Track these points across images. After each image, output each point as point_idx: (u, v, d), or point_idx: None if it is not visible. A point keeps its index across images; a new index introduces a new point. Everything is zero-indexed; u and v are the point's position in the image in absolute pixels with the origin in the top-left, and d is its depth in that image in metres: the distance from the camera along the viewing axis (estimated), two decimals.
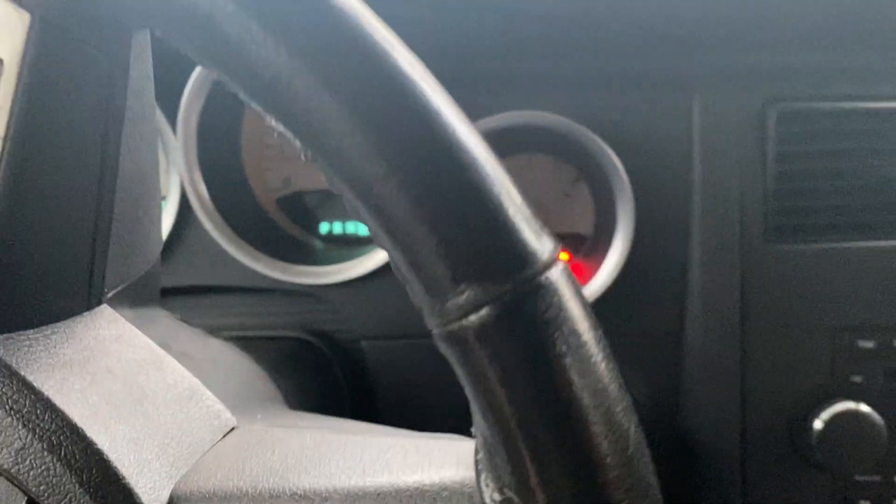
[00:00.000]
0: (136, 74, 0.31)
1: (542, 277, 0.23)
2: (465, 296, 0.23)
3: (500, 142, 0.70)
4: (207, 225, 0.69)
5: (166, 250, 0.72)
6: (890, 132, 0.65)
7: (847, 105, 0.64)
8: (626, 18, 0.67)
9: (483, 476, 0.25)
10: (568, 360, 0.23)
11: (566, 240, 0.76)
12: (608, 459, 0.23)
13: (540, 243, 0.24)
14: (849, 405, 0.63)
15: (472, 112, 0.65)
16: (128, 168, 0.33)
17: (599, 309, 0.66)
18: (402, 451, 0.29)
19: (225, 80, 0.24)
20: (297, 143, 0.23)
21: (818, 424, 0.63)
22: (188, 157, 0.69)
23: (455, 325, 0.23)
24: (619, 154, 0.65)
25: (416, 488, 0.27)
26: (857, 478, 0.66)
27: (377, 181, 0.22)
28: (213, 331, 0.65)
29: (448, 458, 0.28)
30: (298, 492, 0.28)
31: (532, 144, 0.74)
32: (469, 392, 0.24)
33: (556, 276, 0.24)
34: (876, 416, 0.62)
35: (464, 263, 0.23)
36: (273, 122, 0.24)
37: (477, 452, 0.26)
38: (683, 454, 0.69)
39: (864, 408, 0.63)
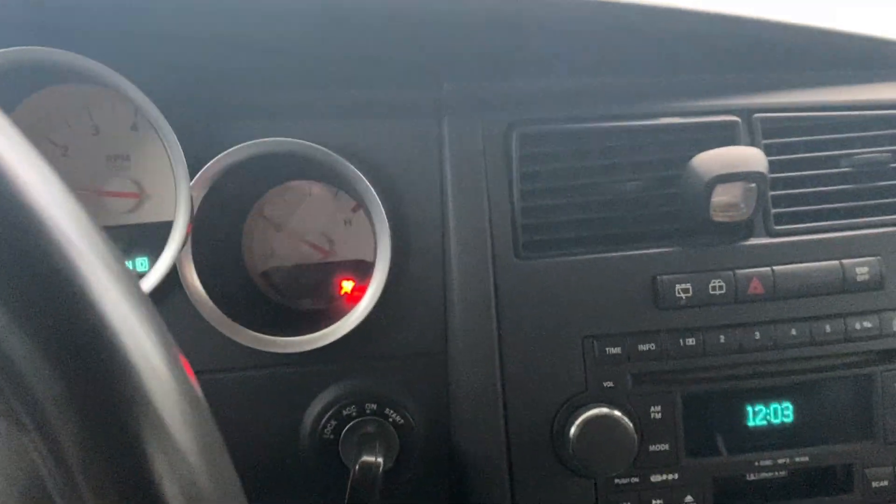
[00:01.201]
0: None
1: None
2: None
3: (275, 168, 0.71)
4: None
5: None
6: (621, 149, 0.69)
7: (582, 126, 0.68)
8: (375, 49, 0.70)
9: None
10: None
11: (351, 266, 0.77)
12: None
13: None
14: (597, 410, 0.65)
15: (231, 139, 0.66)
16: None
17: (367, 331, 0.67)
18: None
19: None
20: None
21: (573, 431, 0.65)
22: None
23: None
24: (373, 180, 0.67)
25: None
26: (617, 481, 0.68)
27: None
28: None
29: None
30: None
31: (310, 174, 0.75)
32: None
33: None
34: (625, 419, 0.65)
35: None
36: None
37: None
38: (458, 470, 0.70)
39: (612, 411, 0.65)
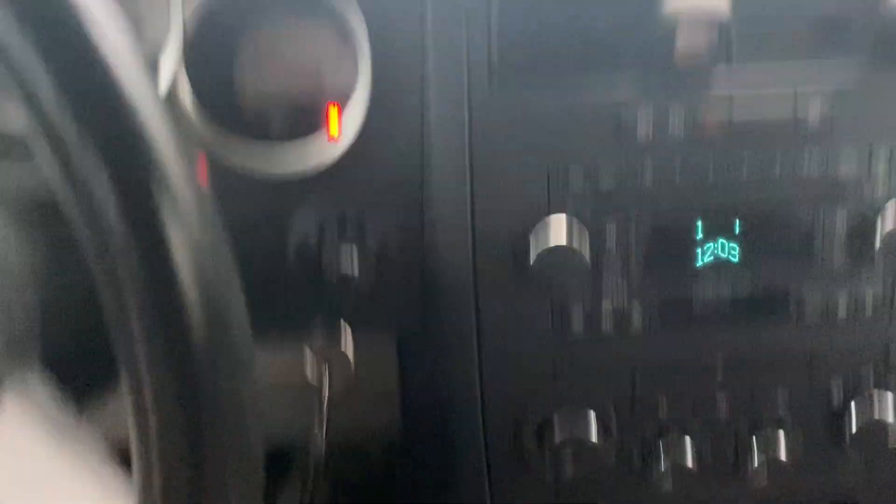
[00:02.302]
0: None
1: None
2: None
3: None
4: None
5: None
6: None
7: None
8: None
9: None
10: None
11: (336, 97, 0.81)
12: None
13: None
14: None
15: None
16: None
17: (351, 161, 0.73)
18: None
19: None
20: None
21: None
22: None
23: None
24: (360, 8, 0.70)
25: None
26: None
27: None
28: None
29: None
30: None
31: (300, 9, 0.78)
32: None
33: None
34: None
35: None
36: None
37: None
38: (428, 291, 0.78)
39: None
